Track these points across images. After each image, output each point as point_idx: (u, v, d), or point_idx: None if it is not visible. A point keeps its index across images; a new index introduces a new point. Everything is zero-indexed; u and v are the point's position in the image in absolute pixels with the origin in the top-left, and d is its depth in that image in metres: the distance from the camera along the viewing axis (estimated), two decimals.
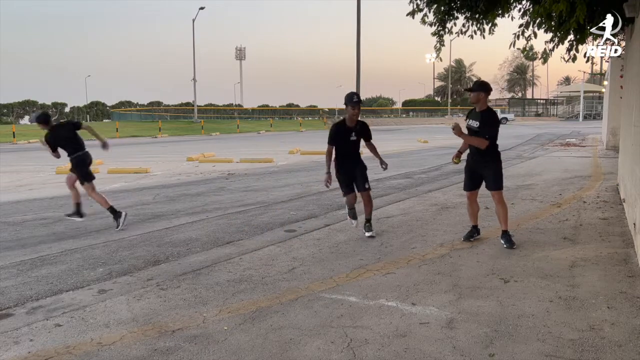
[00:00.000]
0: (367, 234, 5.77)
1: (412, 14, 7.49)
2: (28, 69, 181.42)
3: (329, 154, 5.69)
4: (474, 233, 5.54)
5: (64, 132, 6.66)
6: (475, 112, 5.20)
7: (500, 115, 35.72)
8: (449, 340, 3.16)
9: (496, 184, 5.21)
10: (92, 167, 6.90)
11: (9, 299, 4.07)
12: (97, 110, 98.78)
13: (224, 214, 7.41)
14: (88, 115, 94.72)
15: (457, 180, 10.36)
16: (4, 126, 48.84)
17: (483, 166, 5.24)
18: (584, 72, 71.91)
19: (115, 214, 6.56)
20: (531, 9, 6.93)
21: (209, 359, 3.01)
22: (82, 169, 6.70)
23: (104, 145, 6.97)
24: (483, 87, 5.18)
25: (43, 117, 6.69)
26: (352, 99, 5.54)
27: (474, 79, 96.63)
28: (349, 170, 5.75)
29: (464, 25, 7.82)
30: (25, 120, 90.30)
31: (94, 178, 6.80)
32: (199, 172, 12.71)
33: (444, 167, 13.04)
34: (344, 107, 5.61)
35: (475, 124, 5.14)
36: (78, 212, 6.85)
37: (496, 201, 5.27)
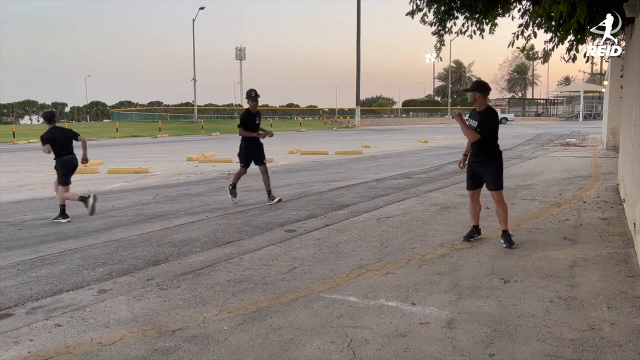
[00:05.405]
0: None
1: (411, 13, 7.49)
2: (28, 69, 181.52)
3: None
4: (474, 233, 5.54)
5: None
6: (475, 112, 5.24)
7: (500, 115, 35.78)
8: (449, 340, 3.16)
9: (496, 184, 5.23)
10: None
11: (9, 299, 4.07)
12: (97, 110, 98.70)
13: (224, 214, 7.41)
14: (88, 115, 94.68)
15: (457, 180, 10.36)
16: (4, 126, 48.85)
17: (483, 166, 5.27)
18: (584, 72, 72.01)
19: (85, 200, 7.03)
20: (531, 9, 6.93)
21: (209, 359, 3.01)
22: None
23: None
24: (479, 87, 5.23)
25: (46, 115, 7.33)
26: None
27: (474, 79, 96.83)
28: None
29: (463, 25, 7.82)
30: (26, 120, 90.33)
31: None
32: (199, 172, 12.70)
33: (444, 167, 13.04)
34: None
35: (474, 123, 5.17)
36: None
37: (496, 201, 5.29)
